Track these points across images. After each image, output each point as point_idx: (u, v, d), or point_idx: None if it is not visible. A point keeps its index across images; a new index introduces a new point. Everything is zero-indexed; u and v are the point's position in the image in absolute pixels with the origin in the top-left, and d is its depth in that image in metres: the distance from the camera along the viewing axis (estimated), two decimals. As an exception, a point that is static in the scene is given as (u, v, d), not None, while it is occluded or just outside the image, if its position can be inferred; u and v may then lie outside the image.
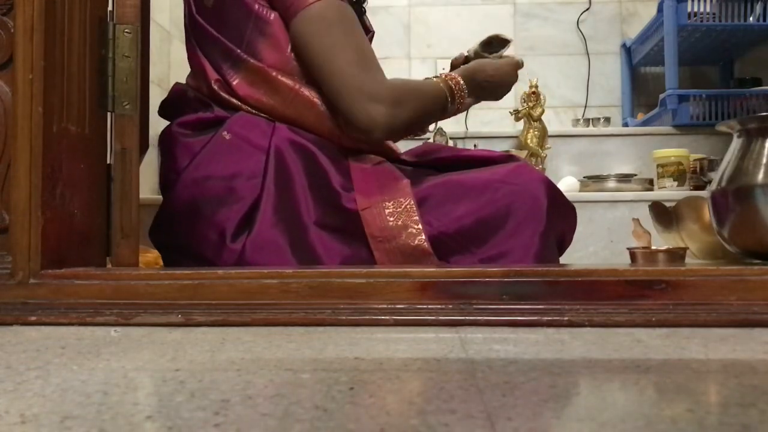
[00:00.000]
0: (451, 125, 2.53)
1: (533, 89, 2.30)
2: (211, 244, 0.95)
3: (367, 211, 0.94)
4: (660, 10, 2.28)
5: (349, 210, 0.95)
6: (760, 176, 0.84)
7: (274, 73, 0.99)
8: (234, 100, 1.01)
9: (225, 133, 0.99)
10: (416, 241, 0.94)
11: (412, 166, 1.07)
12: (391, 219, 0.94)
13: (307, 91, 1.00)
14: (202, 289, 0.73)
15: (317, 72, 0.99)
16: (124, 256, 0.88)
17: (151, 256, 1.28)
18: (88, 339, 0.64)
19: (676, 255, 1.00)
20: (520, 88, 2.58)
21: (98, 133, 0.89)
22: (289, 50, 1.00)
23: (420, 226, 0.94)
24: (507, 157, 1.07)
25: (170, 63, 2.17)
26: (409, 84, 1.10)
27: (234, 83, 1.00)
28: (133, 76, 0.89)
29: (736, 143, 0.90)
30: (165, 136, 1.05)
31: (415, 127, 1.09)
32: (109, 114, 0.90)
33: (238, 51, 1.00)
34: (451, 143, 2.23)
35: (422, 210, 0.96)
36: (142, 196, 0.93)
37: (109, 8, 0.90)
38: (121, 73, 0.89)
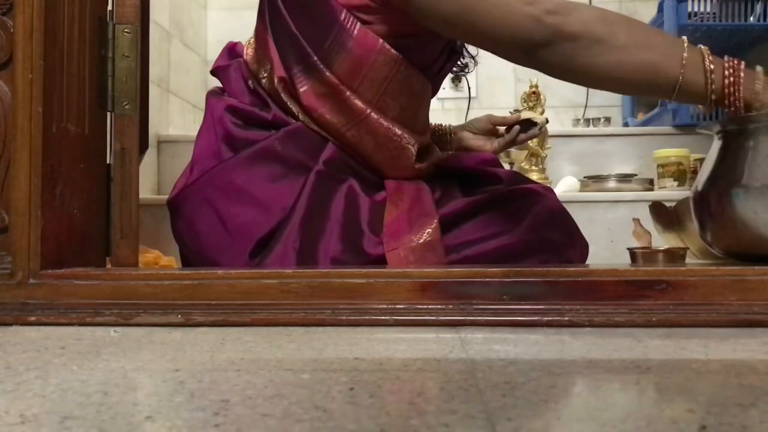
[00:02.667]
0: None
1: (533, 89, 2.29)
2: (229, 252, 0.93)
3: (393, 252, 0.91)
4: (660, 10, 2.27)
5: (369, 255, 0.92)
6: (740, 178, 0.83)
7: (347, 93, 0.94)
8: (293, 107, 0.97)
9: (277, 143, 0.95)
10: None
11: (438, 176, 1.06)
12: (413, 257, 0.92)
13: (375, 115, 0.96)
14: (202, 289, 0.72)
15: (464, 22, 0.88)
16: (123, 256, 0.88)
17: (151, 256, 1.28)
18: (87, 339, 0.64)
19: (676, 255, 1.00)
20: (520, 88, 2.58)
21: (98, 133, 0.89)
22: (364, 72, 0.95)
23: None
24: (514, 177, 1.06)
25: (170, 63, 2.17)
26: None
27: (301, 90, 0.96)
28: (133, 76, 0.89)
29: (715, 145, 0.89)
30: (214, 111, 1.00)
31: (588, 62, 0.86)
32: (109, 114, 0.90)
33: (315, 58, 0.94)
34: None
35: (448, 236, 0.95)
36: (142, 196, 0.93)
37: (109, 8, 0.90)
38: (121, 73, 0.89)
